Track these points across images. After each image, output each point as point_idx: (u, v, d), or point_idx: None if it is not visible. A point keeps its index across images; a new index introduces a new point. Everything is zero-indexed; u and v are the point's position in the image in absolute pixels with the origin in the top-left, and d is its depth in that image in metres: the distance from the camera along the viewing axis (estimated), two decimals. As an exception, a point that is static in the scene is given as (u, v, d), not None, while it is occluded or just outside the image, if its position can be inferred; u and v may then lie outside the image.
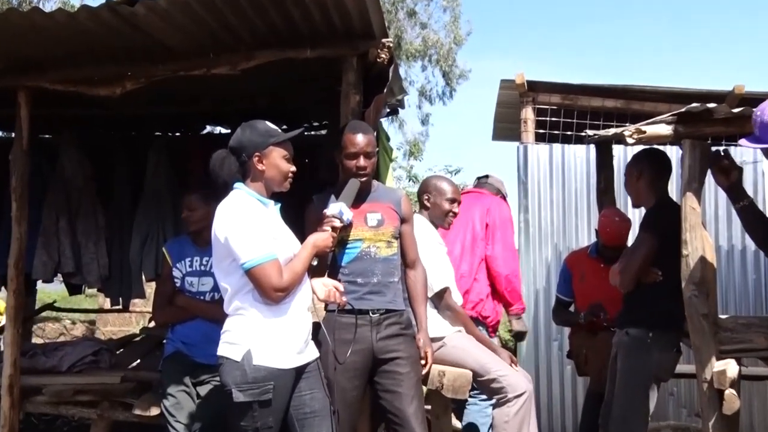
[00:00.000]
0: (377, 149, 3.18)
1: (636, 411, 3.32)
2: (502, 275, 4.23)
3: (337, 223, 2.87)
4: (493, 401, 3.48)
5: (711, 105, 3.05)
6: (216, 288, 3.14)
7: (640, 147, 3.68)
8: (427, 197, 3.69)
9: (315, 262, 2.82)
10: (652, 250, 3.30)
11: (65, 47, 3.50)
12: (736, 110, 3.04)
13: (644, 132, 3.13)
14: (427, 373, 3.20)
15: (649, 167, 3.49)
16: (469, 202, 4.21)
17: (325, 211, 2.92)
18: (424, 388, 3.29)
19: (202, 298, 3.52)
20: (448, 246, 4.18)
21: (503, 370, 3.43)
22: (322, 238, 2.80)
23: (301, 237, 2.88)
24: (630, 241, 3.92)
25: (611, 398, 3.45)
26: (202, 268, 3.53)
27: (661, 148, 3.69)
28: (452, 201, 3.68)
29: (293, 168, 2.77)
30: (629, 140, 3.16)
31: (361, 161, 3.04)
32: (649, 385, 3.33)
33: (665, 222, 3.26)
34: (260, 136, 2.70)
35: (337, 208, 2.88)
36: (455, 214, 3.71)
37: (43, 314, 8.57)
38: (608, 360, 3.57)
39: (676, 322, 3.26)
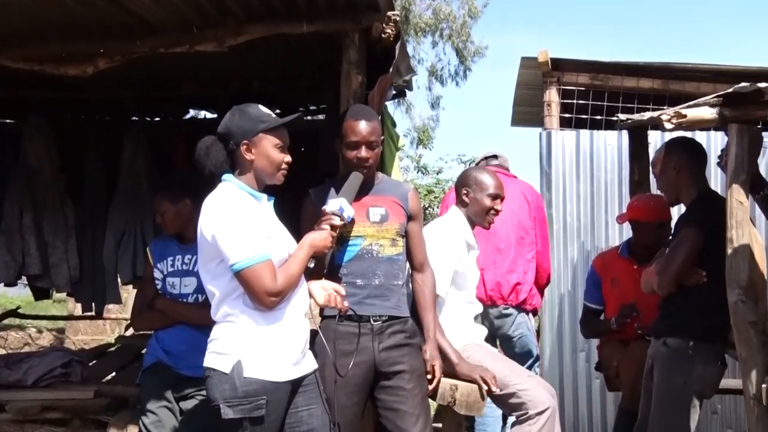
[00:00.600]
0: (382, 138, 3.18)
1: (677, 429, 3.32)
2: (547, 272, 4.66)
3: (337, 221, 2.87)
4: (513, 418, 3.49)
5: (762, 84, 3.04)
6: (200, 289, 3.15)
7: (679, 133, 3.67)
8: (465, 191, 3.66)
9: (312, 264, 2.82)
10: (697, 248, 3.29)
11: (29, 20, 3.50)
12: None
13: (685, 116, 3.12)
14: (435, 389, 3.19)
15: (688, 157, 3.48)
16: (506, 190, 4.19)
17: (324, 207, 2.92)
18: (434, 405, 3.29)
19: (184, 300, 3.54)
20: (501, 241, 4.39)
21: (524, 383, 3.43)
22: (320, 237, 2.80)
23: (297, 234, 2.89)
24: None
25: (646, 417, 3.45)
26: (185, 267, 3.54)
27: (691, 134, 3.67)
28: (495, 197, 3.62)
29: (288, 158, 2.76)
30: (667, 125, 3.16)
31: (363, 152, 3.04)
32: (690, 403, 3.32)
33: (711, 216, 3.24)
34: (249, 122, 2.70)
35: (337, 204, 2.88)
36: (497, 212, 3.65)
37: (6, 322, 8.62)
38: (642, 373, 3.57)
39: (720, 330, 3.25)
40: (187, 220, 3.44)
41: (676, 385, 3.30)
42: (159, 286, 3.58)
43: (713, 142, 5.04)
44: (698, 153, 3.53)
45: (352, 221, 2.98)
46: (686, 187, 3.46)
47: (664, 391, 3.33)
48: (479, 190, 3.63)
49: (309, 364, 2.79)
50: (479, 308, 3.74)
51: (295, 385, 2.71)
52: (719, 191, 4.57)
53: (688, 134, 5.19)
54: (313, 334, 2.87)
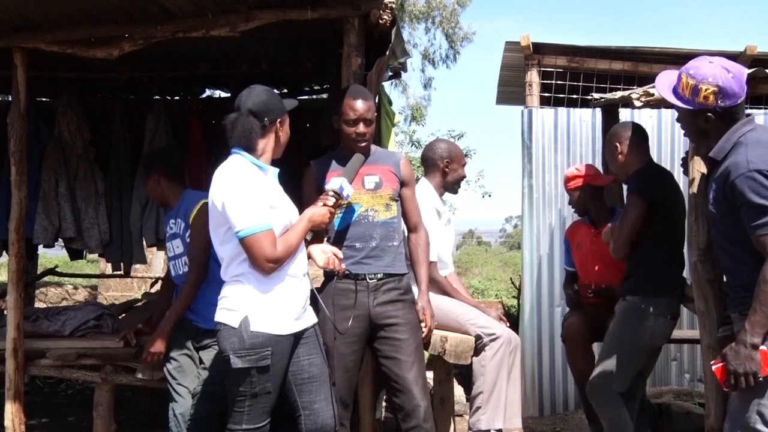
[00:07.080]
0: (376, 114, 3.15)
1: (619, 372, 3.35)
2: None
3: (334, 201, 2.84)
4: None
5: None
6: (185, 252, 3.17)
7: (647, 110, 3.65)
8: (447, 162, 3.70)
9: (310, 237, 2.80)
10: (642, 213, 3.31)
11: (61, 7, 3.45)
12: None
13: (652, 95, 3.10)
14: (428, 338, 3.20)
15: (631, 134, 3.48)
16: None
17: (326, 186, 2.90)
18: (426, 354, 3.30)
19: (175, 261, 3.47)
20: None
21: (481, 321, 3.46)
22: (319, 213, 2.78)
23: (298, 199, 2.87)
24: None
25: None
26: (171, 230, 3.50)
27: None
28: (464, 166, 3.81)
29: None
30: (637, 103, 3.13)
31: (361, 128, 3.02)
32: (637, 350, 3.38)
33: (653, 184, 3.27)
34: (281, 103, 2.75)
35: (338, 184, 2.86)
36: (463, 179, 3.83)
37: (46, 279, 8.64)
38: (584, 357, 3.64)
39: (669, 286, 3.30)
40: (163, 191, 3.45)
41: (626, 333, 3.37)
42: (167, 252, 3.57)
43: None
44: (638, 129, 3.54)
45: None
46: (631, 159, 3.46)
47: (616, 338, 3.40)
48: (457, 161, 3.69)
49: (309, 319, 2.79)
50: (448, 268, 3.75)
51: (297, 337, 2.71)
52: (684, 189, 4.50)
53: (655, 111, 5.18)
54: (313, 292, 2.87)
